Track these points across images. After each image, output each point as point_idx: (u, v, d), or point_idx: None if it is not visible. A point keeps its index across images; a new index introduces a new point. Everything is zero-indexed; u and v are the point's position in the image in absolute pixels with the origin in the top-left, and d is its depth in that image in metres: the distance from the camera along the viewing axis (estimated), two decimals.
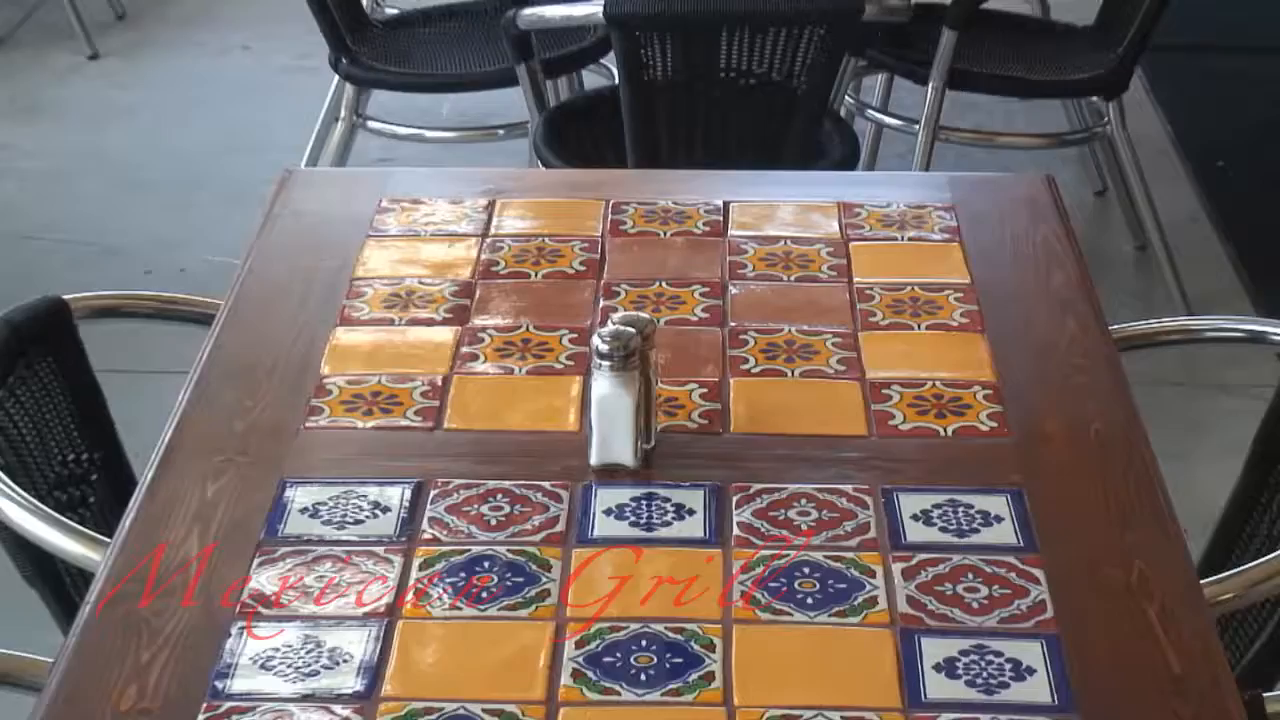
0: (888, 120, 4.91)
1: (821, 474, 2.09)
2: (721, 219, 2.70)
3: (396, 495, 2.05)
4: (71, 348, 2.58)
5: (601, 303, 2.47)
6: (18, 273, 4.63)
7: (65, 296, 2.59)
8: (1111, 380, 2.31)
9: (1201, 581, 2.01)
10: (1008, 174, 2.92)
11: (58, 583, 2.32)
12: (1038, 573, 1.92)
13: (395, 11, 5.12)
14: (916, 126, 4.52)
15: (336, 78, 4.67)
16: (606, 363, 2.04)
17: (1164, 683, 1.78)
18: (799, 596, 1.88)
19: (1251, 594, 2.22)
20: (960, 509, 2.02)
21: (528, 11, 4.05)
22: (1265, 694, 2.17)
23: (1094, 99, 4.75)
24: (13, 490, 2.19)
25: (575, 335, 2.38)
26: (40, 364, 2.51)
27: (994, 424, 2.20)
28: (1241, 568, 2.24)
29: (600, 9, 3.77)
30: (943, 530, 1.99)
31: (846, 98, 4.67)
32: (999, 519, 2.01)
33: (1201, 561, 2.41)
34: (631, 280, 2.53)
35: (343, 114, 4.70)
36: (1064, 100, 5.00)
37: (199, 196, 5.21)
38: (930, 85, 4.44)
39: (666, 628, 1.83)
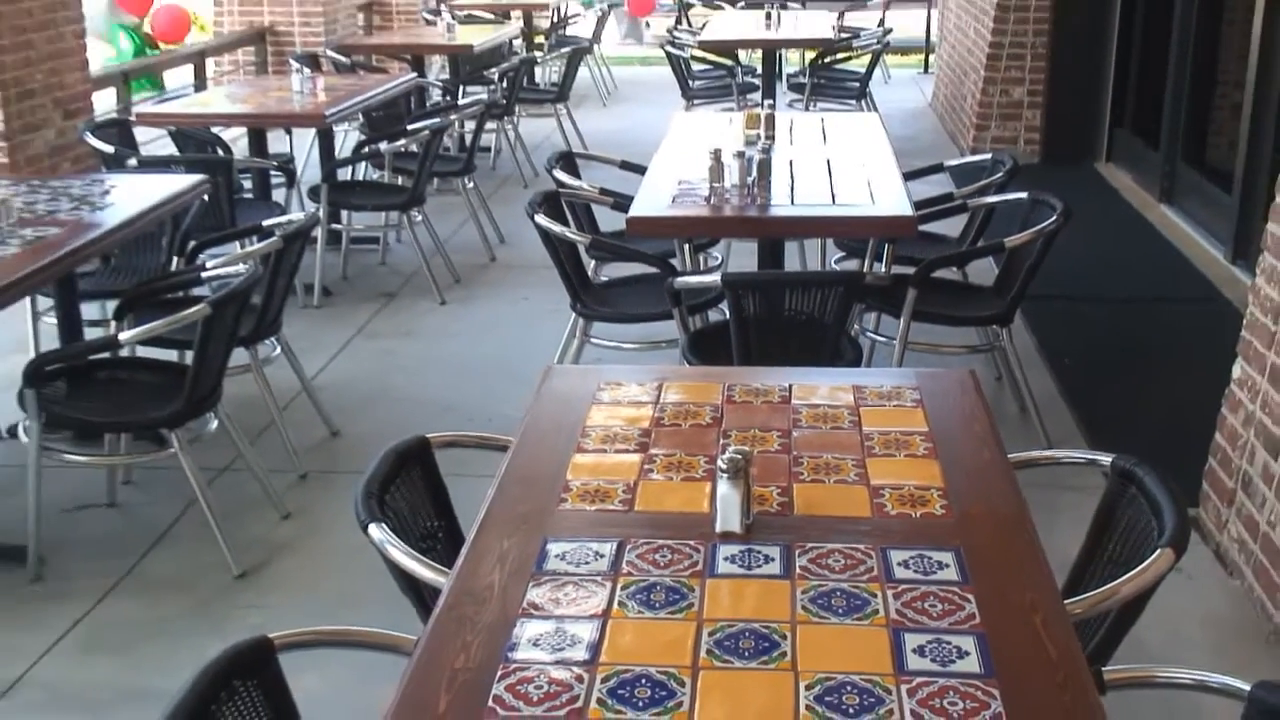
0: (878, 338, 4.89)
1: (845, 539, 2.08)
2: (788, 394, 2.70)
3: (608, 548, 2.06)
4: (430, 464, 2.62)
5: (721, 441, 2.47)
6: (400, 422, 4.69)
7: (427, 435, 2.63)
8: (1009, 485, 2.29)
9: (1065, 602, 1.98)
10: (947, 369, 2.90)
11: (420, 595, 2.34)
12: (970, 596, 1.90)
13: (606, 279, 5.18)
14: (895, 342, 4.50)
15: (574, 315, 4.72)
16: (725, 474, 2.06)
17: (1045, 662, 1.76)
18: (834, 607, 1.87)
19: (1093, 610, 2.19)
20: (925, 559, 2.01)
21: (680, 280, 4.10)
22: (1103, 668, 2.13)
23: (994, 326, 4.72)
24: (398, 543, 2.23)
25: (708, 459, 2.38)
26: (414, 473, 2.55)
27: (944, 510, 2.18)
28: (1086, 594, 2.21)
29: (719, 278, 3.82)
30: (915, 571, 1.98)
31: (855, 325, 4.67)
32: (946, 565, 2.00)
33: (1063, 590, 2.36)
34: (739, 428, 2.53)
35: (577, 335, 4.74)
36: (977, 327, 4.96)
37: (499, 380, 5.26)
38: (902, 319, 4.43)
39: (759, 625, 1.83)
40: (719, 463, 2.09)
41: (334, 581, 3.74)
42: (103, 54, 9.60)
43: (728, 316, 3.98)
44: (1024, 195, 4.79)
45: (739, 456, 2.08)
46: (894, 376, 3.00)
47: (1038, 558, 2.03)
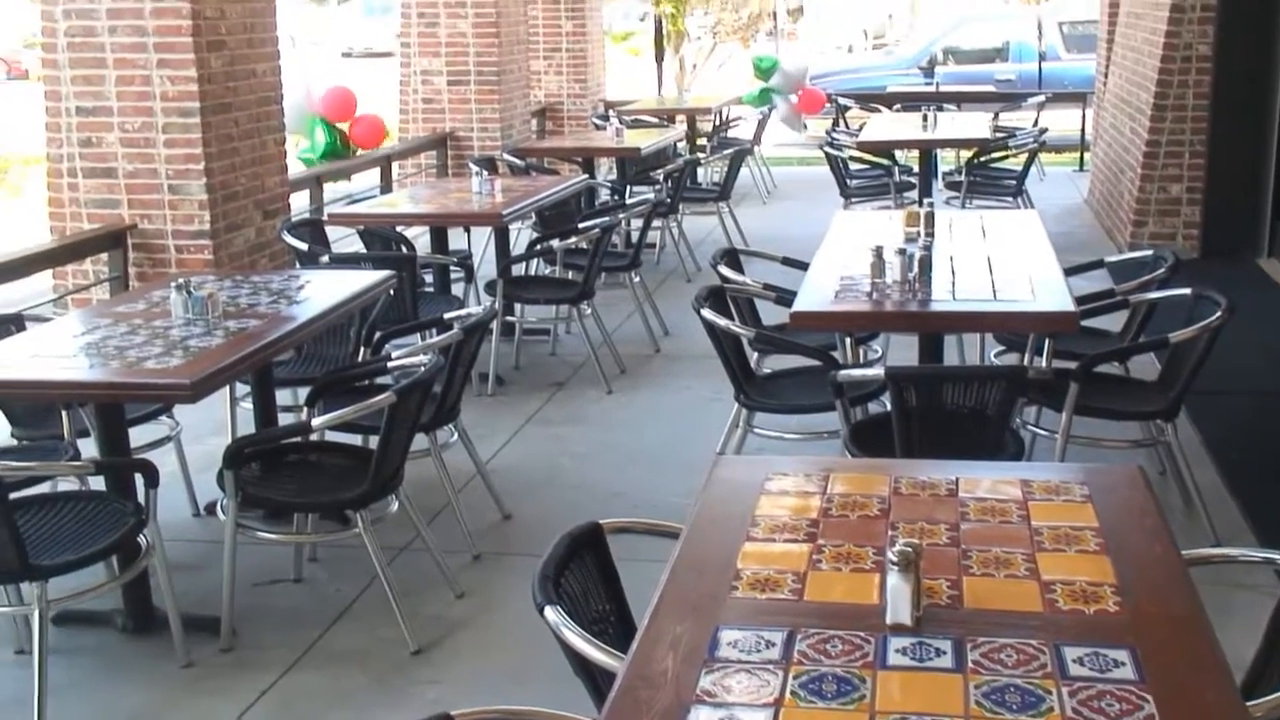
0: (1040, 432, 4.74)
1: (1017, 634, 2.00)
2: (955, 487, 2.63)
3: (779, 636, 2.02)
4: (603, 548, 2.60)
5: (890, 533, 2.41)
6: (568, 507, 4.72)
7: (599, 521, 2.62)
8: (1183, 582, 2.19)
9: (1247, 704, 1.87)
10: (1116, 465, 2.80)
11: (591, 676, 2.31)
12: (1148, 696, 1.81)
13: (769, 370, 5.15)
14: (1056, 435, 4.37)
15: (737, 405, 4.70)
16: (895, 566, 2.01)
17: None
18: (1008, 703, 1.80)
19: (1274, 713, 2.06)
20: (1099, 656, 1.92)
21: (843, 372, 4.06)
22: None
23: (1158, 421, 4.54)
24: (573, 626, 2.22)
25: (876, 550, 2.32)
26: (587, 557, 2.54)
27: (1117, 607, 2.09)
28: (1268, 698, 2.08)
29: (882, 371, 3.77)
30: (1090, 669, 1.89)
31: (1017, 419, 4.55)
32: (1122, 664, 1.90)
33: (1241, 691, 2.23)
34: (906, 520, 2.47)
35: (740, 425, 4.72)
36: (1140, 421, 4.78)
37: (667, 466, 5.25)
38: (1064, 413, 4.30)
39: (929, 718, 1.76)
40: (889, 554, 2.04)
41: (504, 659, 3.74)
42: (295, 145, 10.06)
43: (888, 408, 3.92)
44: (1186, 291, 4.64)
45: (910, 549, 2.03)
46: (1060, 471, 2.89)
47: (1216, 657, 1.93)
